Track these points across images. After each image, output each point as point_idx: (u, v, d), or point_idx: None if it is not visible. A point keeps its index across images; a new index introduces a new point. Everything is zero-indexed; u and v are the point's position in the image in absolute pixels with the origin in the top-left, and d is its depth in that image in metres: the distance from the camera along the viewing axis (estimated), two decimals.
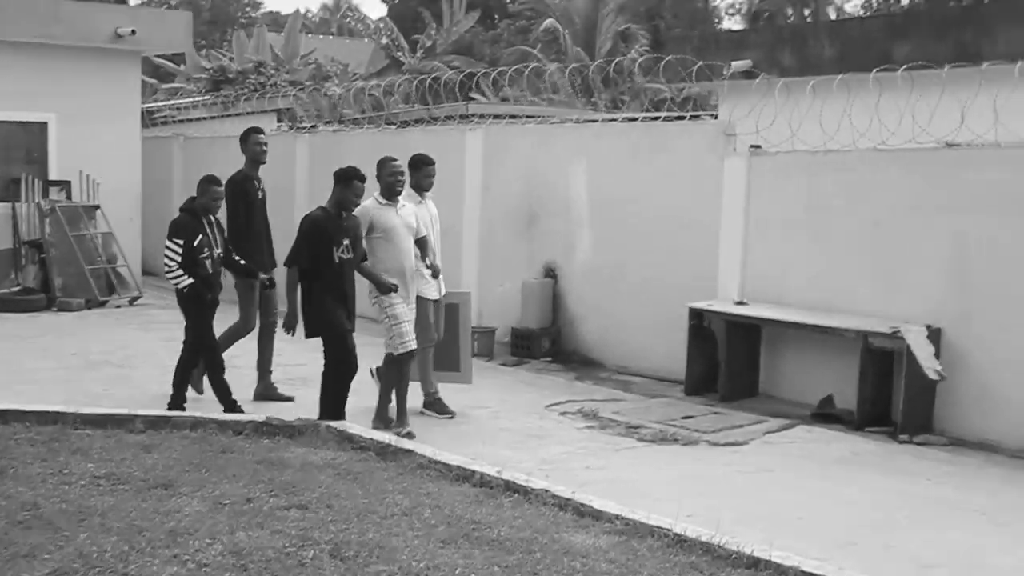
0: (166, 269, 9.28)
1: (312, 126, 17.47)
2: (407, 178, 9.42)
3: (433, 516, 6.63)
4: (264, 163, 10.53)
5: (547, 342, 12.83)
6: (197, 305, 9.36)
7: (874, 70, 10.49)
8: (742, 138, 11.25)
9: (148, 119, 20.54)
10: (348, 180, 8.71)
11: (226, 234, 9.81)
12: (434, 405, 9.99)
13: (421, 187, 9.80)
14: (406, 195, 9.53)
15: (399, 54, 27.21)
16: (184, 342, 9.59)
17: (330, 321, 8.72)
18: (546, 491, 7.10)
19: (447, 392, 10.14)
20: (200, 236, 9.30)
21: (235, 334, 10.41)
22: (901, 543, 6.98)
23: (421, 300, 9.57)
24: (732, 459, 8.80)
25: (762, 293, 11.17)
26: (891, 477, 8.46)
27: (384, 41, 36.32)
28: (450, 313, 10.12)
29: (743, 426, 9.87)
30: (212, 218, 9.50)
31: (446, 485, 7.35)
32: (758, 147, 11.14)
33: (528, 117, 14.09)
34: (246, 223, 10.24)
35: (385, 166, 9.23)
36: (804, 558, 6.00)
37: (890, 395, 10.07)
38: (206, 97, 20.76)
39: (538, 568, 5.82)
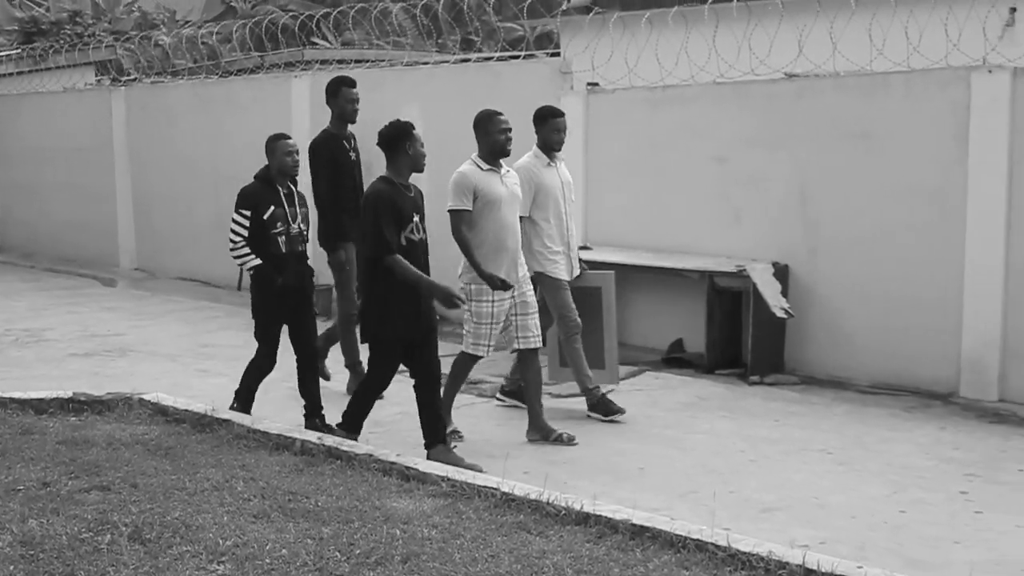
0: (230, 246, 7.70)
1: (135, 79, 16.61)
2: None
3: (246, 489, 6.23)
4: (354, 122, 8.99)
5: None
6: (265, 293, 7.72)
7: (709, 1, 10.16)
8: (579, 76, 10.85)
9: None
10: (402, 139, 7.02)
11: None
12: (598, 406, 8.26)
13: (550, 146, 8.22)
14: (532, 156, 8.24)
15: None
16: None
17: (381, 325, 7.02)
18: (370, 456, 6.70)
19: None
20: (272, 208, 7.60)
21: (346, 320, 8.96)
22: (743, 488, 6.71)
23: (547, 280, 8.17)
24: (575, 411, 8.44)
25: (606, 236, 10.81)
26: (738, 420, 8.21)
27: None
28: (590, 298, 8.49)
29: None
30: (292, 188, 7.81)
31: (264, 455, 6.92)
32: (596, 85, 10.75)
33: (356, 61, 13.47)
34: (334, 193, 8.77)
35: (491, 121, 7.50)
36: (635, 510, 5.69)
37: (740, 336, 9.83)
38: (15, 51, 19.50)
39: (355, 538, 5.47)
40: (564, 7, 11.90)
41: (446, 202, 7.50)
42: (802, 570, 4.92)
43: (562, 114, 8.31)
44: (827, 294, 9.51)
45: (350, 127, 9.05)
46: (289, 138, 7.80)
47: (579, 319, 8.21)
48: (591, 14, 11.22)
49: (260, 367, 7.92)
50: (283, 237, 7.68)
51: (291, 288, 7.74)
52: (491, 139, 7.48)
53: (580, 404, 8.44)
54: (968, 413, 8.44)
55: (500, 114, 7.58)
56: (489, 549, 5.32)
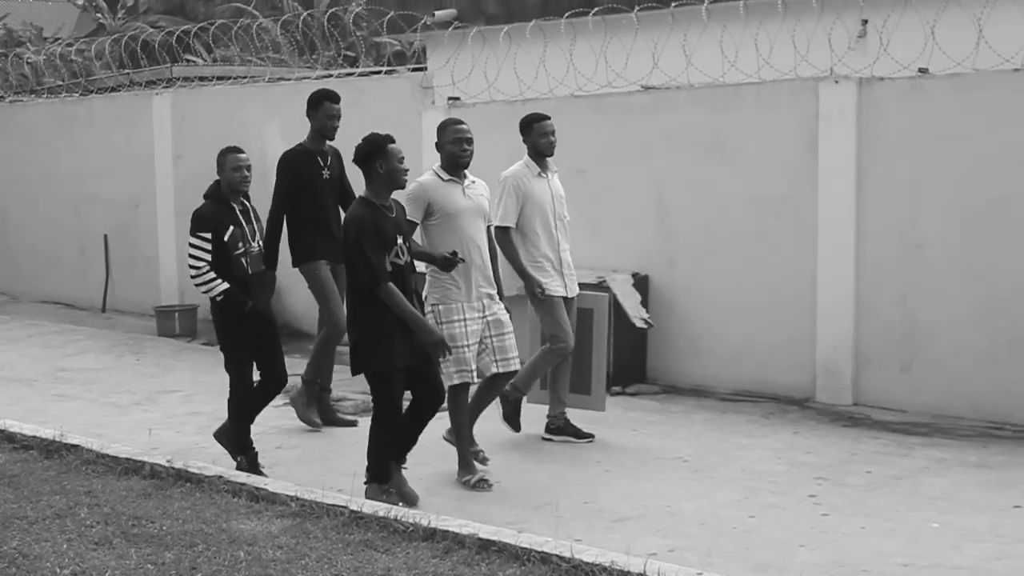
0: (192, 274, 7.14)
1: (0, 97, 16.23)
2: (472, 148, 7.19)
3: (90, 515, 6.12)
4: (332, 139, 8.55)
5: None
6: (233, 320, 7.13)
7: (565, 15, 10.24)
8: (440, 90, 10.85)
9: None
10: (373, 156, 6.46)
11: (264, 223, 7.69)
12: (565, 429, 8.06)
13: (541, 151, 7.80)
14: (523, 165, 7.85)
15: (98, 15, 25.77)
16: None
17: (375, 356, 6.48)
18: (219, 478, 6.62)
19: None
20: (231, 228, 7.09)
21: (328, 340, 8.47)
22: (597, 498, 6.75)
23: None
24: (431, 426, 8.36)
25: None
26: (597, 431, 8.19)
27: (80, 1, 34.20)
28: (580, 320, 8.08)
29: None
30: (247, 204, 7.31)
31: (112, 480, 6.78)
32: (456, 99, 10.76)
33: (219, 78, 13.32)
34: (295, 210, 8.34)
35: (447, 130, 7.09)
36: (484, 524, 5.69)
37: None
38: None
39: (198, 562, 5.41)
40: (425, 21, 11.87)
41: None
42: None
43: (548, 117, 7.93)
44: (687, 303, 9.62)
45: (330, 143, 8.65)
46: (240, 152, 7.26)
47: (572, 343, 7.83)
48: (450, 28, 11.23)
49: (240, 400, 7.31)
50: (246, 258, 7.16)
51: (260, 311, 7.23)
52: (445, 151, 7.09)
53: None
54: (823, 417, 8.60)
55: (459, 123, 7.16)
56: (334, 568, 5.28)
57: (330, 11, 15.67)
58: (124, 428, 8.38)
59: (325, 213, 8.46)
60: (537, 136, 7.84)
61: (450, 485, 7.01)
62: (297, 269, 8.53)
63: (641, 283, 9.65)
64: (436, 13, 12.66)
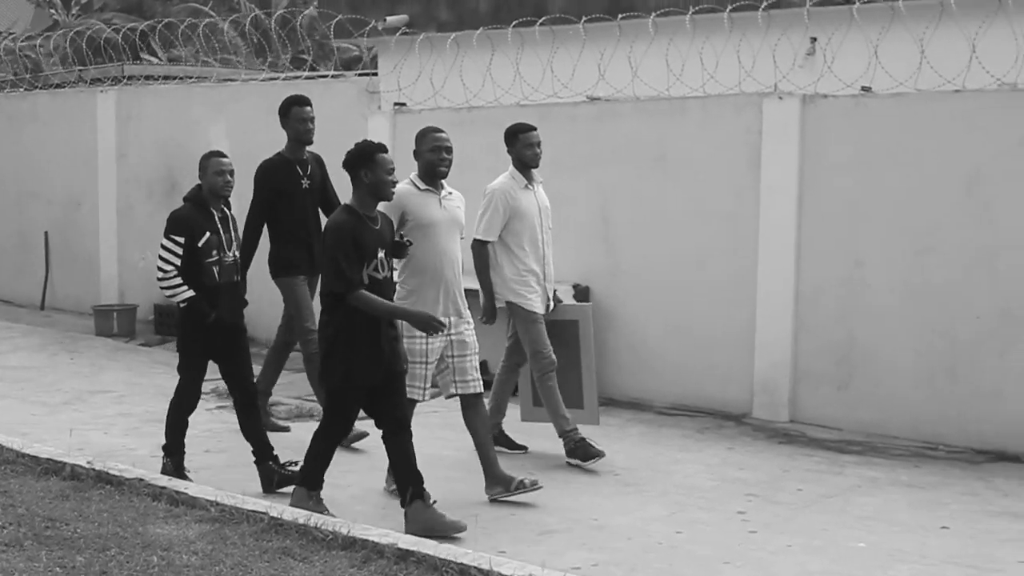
0: (159, 276, 6.86)
1: None
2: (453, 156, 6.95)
3: (3, 516, 6.00)
4: (310, 143, 8.32)
5: None
6: (196, 327, 6.94)
7: (512, 24, 10.19)
8: (387, 96, 10.77)
9: None
10: (359, 164, 6.16)
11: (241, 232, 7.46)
12: (577, 451, 7.68)
13: (526, 163, 7.71)
14: (509, 177, 7.74)
15: (52, 11, 25.49)
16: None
17: (338, 371, 6.20)
18: (140, 480, 6.50)
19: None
20: (207, 234, 6.86)
21: (311, 361, 8.17)
22: (524, 511, 6.69)
23: (520, 311, 7.68)
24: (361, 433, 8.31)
25: None
26: (526, 442, 8.09)
27: None
28: (566, 333, 7.88)
29: None
30: (227, 212, 7.12)
31: (31, 481, 6.65)
32: (403, 105, 10.68)
33: (165, 78, 13.20)
34: (272, 221, 8.21)
35: (426, 138, 6.86)
36: (403, 534, 5.59)
37: None
38: None
39: (109, 566, 5.30)
40: (373, 25, 11.78)
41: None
42: None
43: (534, 128, 7.80)
44: (628, 316, 9.58)
45: (310, 151, 8.42)
46: (224, 156, 7.03)
47: (554, 356, 7.68)
48: (397, 34, 11.16)
49: (181, 404, 7.13)
50: (217, 267, 6.91)
51: (224, 323, 6.98)
52: (423, 159, 6.85)
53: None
54: (759, 434, 8.58)
55: (437, 131, 6.91)
56: None
57: (279, 12, 15.54)
58: (50, 428, 8.23)
59: (305, 224, 8.29)
60: (523, 147, 7.74)
61: (377, 494, 6.93)
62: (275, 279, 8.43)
63: (583, 294, 9.61)
64: (388, 18, 12.56)
